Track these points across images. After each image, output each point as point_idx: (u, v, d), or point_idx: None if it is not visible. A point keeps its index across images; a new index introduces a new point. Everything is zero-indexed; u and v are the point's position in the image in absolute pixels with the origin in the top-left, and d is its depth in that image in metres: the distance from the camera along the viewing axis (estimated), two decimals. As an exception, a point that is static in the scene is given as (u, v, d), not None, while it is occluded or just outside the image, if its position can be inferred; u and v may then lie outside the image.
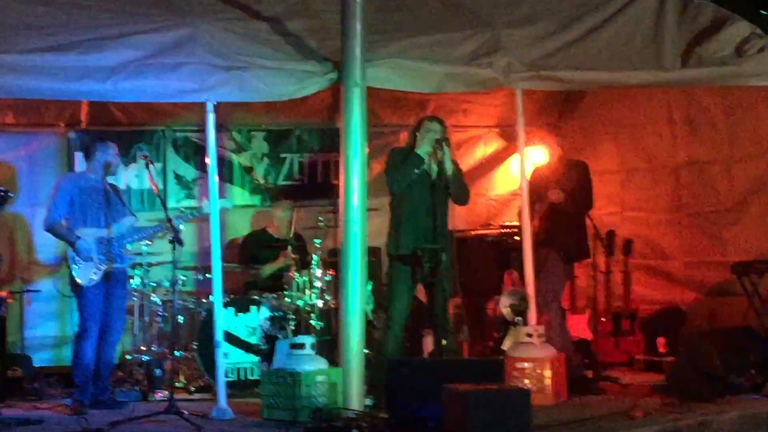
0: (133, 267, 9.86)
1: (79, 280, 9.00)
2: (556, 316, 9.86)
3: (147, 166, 9.07)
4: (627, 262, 11.45)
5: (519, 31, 9.38)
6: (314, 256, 10.23)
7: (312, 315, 10.05)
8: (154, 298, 10.18)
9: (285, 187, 11.77)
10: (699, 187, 11.20)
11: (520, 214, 9.58)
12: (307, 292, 10.08)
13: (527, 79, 9.24)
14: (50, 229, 9.11)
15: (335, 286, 9.78)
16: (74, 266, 9.00)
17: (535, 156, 10.77)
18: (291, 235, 10.65)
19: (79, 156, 10.67)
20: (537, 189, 9.80)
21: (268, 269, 10.67)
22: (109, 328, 9.19)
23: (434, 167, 8.93)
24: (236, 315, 9.95)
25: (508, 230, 11.51)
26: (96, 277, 9.02)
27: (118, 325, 9.32)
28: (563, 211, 9.88)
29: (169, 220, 8.84)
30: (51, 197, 9.16)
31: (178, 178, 11.45)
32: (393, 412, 7.89)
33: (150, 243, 9.97)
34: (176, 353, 9.62)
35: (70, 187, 9.16)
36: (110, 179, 9.42)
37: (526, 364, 8.91)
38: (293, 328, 9.88)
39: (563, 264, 10.02)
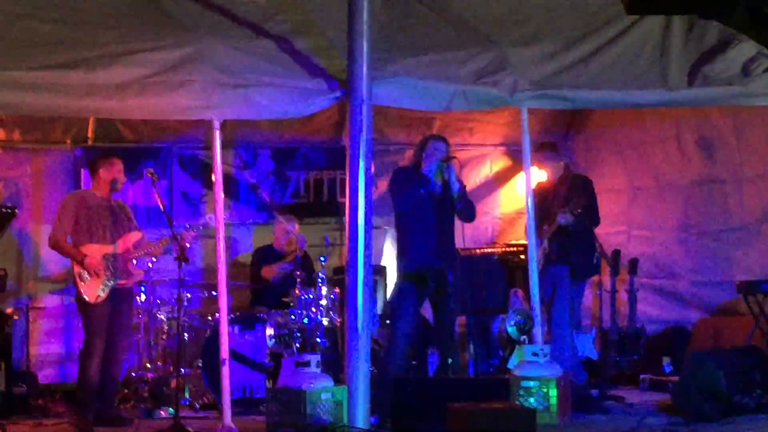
0: (139, 284, 9.87)
1: (86, 297, 9.02)
2: (567, 338, 9.86)
3: (153, 182, 9.08)
4: (633, 280, 11.43)
5: (525, 49, 9.39)
6: (320, 274, 10.23)
7: (317, 333, 10.05)
8: (160, 315, 10.19)
9: (291, 204, 11.77)
10: (707, 206, 11.18)
11: (526, 233, 9.60)
12: (313, 309, 10.08)
13: (533, 97, 9.23)
14: (55, 246, 9.14)
15: (341, 304, 9.78)
16: (81, 283, 9.01)
17: (540, 174, 10.77)
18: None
19: (85, 173, 10.68)
20: (542, 208, 9.79)
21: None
22: (115, 346, 9.20)
23: (440, 186, 8.97)
24: (242, 332, 9.96)
25: (513, 248, 11.50)
26: (103, 294, 9.03)
27: (125, 343, 9.34)
28: (572, 231, 9.86)
29: (176, 237, 8.86)
30: (56, 215, 9.19)
31: (184, 195, 11.47)
32: (398, 431, 7.88)
33: (155, 260, 9.98)
34: (182, 370, 9.62)
35: (75, 204, 9.18)
36: (117, 195, 9.46)
37: (531, 383, 8.88)
38: (298, 345, 9.87)
39: (575, 282, 10.00)
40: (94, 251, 9.06)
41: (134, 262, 9.39)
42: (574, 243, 9.86)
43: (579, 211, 9.76)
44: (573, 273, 9.88)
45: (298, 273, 10.36)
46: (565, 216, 9.73)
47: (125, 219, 9.36)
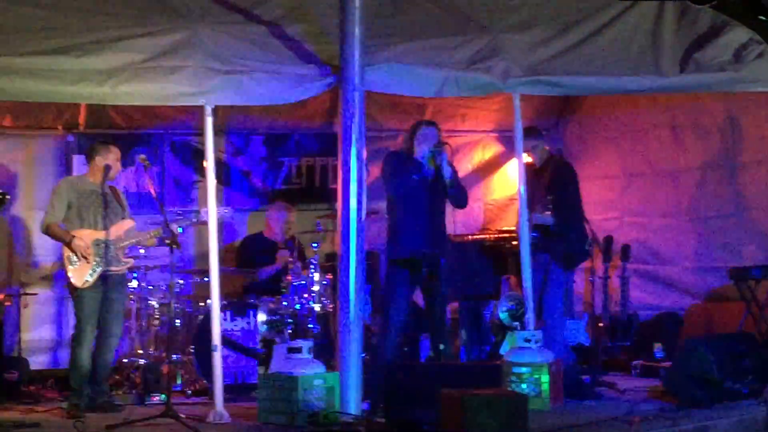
0: (132, 270, 9.85)
1: (73, 281, 9.00)
2: (559, 325, 9.87)
3: (145, 169, 9.06)
4: (625, 267, 11.44)
5: (517, 36, 9.39)
6: (312, 260, 10.23)
7: (309, 319, 10.05)
8: (152, 301, 10.17)
9: (283, 190, 11.76)
10: (700, 192, 11.18)
11: (518, 219, 9.59)
12: (305, 295, 10.08)
13: (526, 83, 9.24)
14: (47, 230, 9.12)
15: (333, 290, 9.78)
16: (70, 267, 9.00)
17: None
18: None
19: (77, 159, 10.67)
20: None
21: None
22: (107, 332, 9.18)
23: (432, 171, 8.97)
24: (233, 318, 9.96)
25: (506, 235, 11.49)
26: (91, 279, 9.01)
27: (116, 329, 9.30)
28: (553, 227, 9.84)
29: (167, 224, 8.85)
30: (49, 199, 9.17)
31: (177, 181, 11.44)
32: (390, 417, 7.90)
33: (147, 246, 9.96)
34: (173, 356, 9.61)
35: (68, 189, 9.16)
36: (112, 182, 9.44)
37: (523, 369, 8.90)
38: (290, 331, 9.87)
39: (564, 272, 10.00)
40: (85, 236, 9.04)
41: (125, 249, 9.36)
42: (560, 232, 9.82)
43: (550, 207, 9.69)
44: (560, 261, 9.86)
45: (291, 260, 10.36)
46: (541, 217, 9.66)
47: (118, 206, 9.32)
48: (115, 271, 9.21)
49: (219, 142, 10.98)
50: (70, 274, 9.02)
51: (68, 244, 9.01)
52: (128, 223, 9.34)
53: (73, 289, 9.07)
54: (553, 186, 9.84)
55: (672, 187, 11.46)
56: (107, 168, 9.21)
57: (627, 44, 9.51)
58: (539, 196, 9.70)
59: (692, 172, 11.26)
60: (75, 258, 9.00)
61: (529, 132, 9.86)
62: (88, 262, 9.01)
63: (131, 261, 9.48)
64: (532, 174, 9.79)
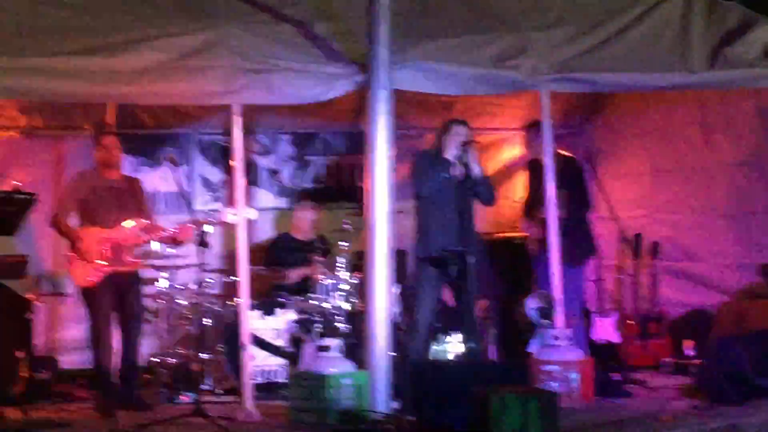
0: (159, 269, 9.85)
1: (76, 281, 9.00)
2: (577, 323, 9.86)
3: (173, 167, 9.05)
4: (654, 264, 11.40)
5: (545, 33, 9.36)
6: (341, 258, 10.23)
7: (338, 317, 10.05)
8: (181, 300, 10.19)
9: (311, 189, 11.78)
10: (730, 189, 11.12)
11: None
12: (334, 294, 10.08)
13: (553, 81, 9.22)
14: (54, 224, 9.10)
15: (362, 289, 9.77)
16: (71, 266, 8.98)
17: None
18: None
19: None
20: (531, 187, 9.70)
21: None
22: (127, 333, 9.17)
23: (461, 170, 8.97)
24: (263, 317, 9.97)
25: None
26: (93, 278, 8.97)
27: (135, 328, 9.27)
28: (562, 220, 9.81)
29: (195, 223, 8.85)
30: (61, 193, 9.16)
31: (205, 181, 11.48)
32: (419, 415, 7.88)
33: (174, 246, 9.96)
34: (203, 355, 9.62)
35: (81, 184, 9.16)
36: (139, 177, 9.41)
37: (553, 367, 8.88)
38: (320, 330, 9.88)
39: (569, 269, 9.95)
40: (92, 234, 9.01)
41: (133, 248, 9.29)
42: (566, 229, 9.79)
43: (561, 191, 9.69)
44: (568, 258, 9.84)
45: (322, 260, 10.37)
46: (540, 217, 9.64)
47: (133, 202, 9.27)
48: (126, 270, 9.18)
49: (247, 141, 10.96)
50: (72, 273, 9.01)
51: (72, 245, 8.99)
52: (139, 221, 9.29)
53: (79, 289, 9.06)
54: (559, 183, 9.81)
55: (702, 184, 11.41)
56: (105, 159, 9.19)
57: (655, 41, 9.47)
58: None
59: (722, 169, 11.20)
60: (79, 259, 8.98)
61: (533, 126, 9.81)
62: (90, 262, 8.97)
63: (139, 260, 9.41)
64: (540, 171, 9.76)
